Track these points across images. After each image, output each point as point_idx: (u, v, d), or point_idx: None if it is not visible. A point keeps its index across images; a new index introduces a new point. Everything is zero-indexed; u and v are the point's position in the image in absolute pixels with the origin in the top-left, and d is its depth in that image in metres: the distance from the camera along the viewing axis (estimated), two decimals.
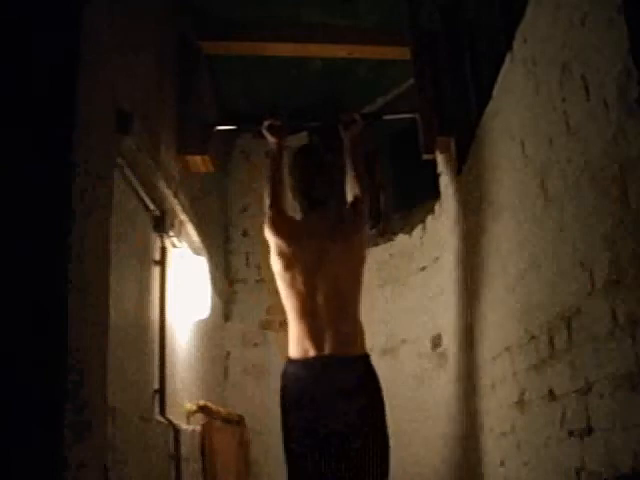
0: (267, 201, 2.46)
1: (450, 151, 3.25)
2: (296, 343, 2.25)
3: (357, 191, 2.47)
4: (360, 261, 2.37)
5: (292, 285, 2.29)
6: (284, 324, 2.46)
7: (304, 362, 2.21)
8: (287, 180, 2.49)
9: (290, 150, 2.58)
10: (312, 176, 2.42)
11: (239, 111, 4.31)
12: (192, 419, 3.09)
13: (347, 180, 2.53)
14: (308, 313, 2.24)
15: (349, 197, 2.49)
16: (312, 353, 2.19)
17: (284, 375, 2.27)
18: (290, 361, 2.27)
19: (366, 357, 2.25)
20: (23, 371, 1.30)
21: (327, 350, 2.19)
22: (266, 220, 2.43)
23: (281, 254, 2.34)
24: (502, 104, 2.38)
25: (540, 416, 1.98)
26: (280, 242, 2.35)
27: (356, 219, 2.40)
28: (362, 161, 2.60)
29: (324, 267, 2.28)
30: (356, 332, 2.27)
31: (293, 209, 2.50)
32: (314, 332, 2.21)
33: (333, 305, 2.24)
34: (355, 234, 2.37)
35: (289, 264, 2.31)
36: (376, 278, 4.00)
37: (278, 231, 2.37)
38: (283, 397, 2.25)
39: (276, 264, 2.35)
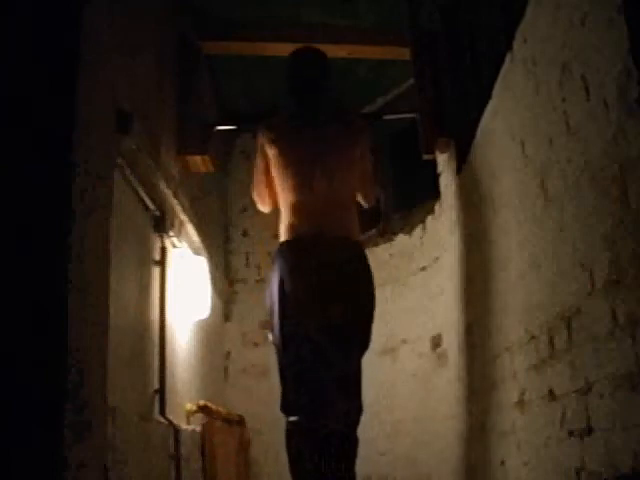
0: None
1: (450, 151, 3.25)
2: (288, 228, 2.28)
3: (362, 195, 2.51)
4: (355, 156, 2.42)
5: (288, 178, 2.33)
6: None
7: (297, 240, 2.24)
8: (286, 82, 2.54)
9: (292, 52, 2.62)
10: (308, 65, 2.53)
11: (239, 111, 4.31)
12: (192, 419, 3.09)
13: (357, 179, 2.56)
14: (303, 199, 2.28)
15: (359, 197, 2.53)
16: (305, 232, 2.23)
17: (276, 254, 2.29)
18: (281, 245, 2.29)
19: (360, 243, 2.32)
20: (23, 371, 1.30)
21: (321, 230, 2.22)
22: (261, 128, 2.47)
23: (277, 147, 2.37)
24: (502, 104, 2.38)
25: (540, 416, 1.98)
26: (277, 145, 2.39)
27: (353, 128, 2.48)
28: (365, 160, 2.62)
29: (320, 156, 2.32)
30: (351, 219, 2.32)
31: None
32: (308, 218, 2.26)
33: (329, 192, 2.29)
34: (350, 134, 2.44)
35: (285, 157, 2.35)
36: (376, 278, 3.99)
37: (273, 138, 2.42)
38: (275, 283, 2.26)
39: (272, 158, 2.38)
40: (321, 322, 2.13)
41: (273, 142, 2.39)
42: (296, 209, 2.26)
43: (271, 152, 2.39)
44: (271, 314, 2.27)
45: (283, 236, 2.28)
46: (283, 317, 2.19)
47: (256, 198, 2.59)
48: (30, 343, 1.32)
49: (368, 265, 2.27)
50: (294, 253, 2.20)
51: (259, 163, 2.48)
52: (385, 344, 3.91)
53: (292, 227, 2.25)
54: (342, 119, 2.46)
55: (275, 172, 2.37)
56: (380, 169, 4.55)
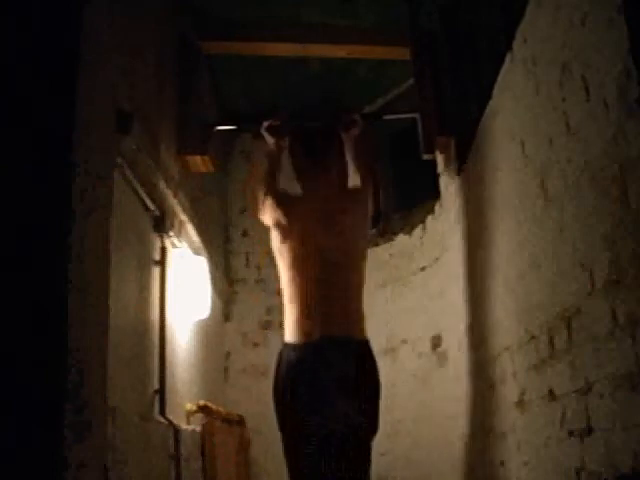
0: (262, 187, 2.44)
1: (450, 151, 3.25)
2: (294, 325, 2.18)
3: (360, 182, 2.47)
4: (362, 241, 2.35)
5: (291, 264, 2.24)
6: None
7: (303, 346, 2.14)
8: (287, 161, 2.47)
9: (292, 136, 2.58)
10: (311, 138, 2.46)
11: (239, 111, 4.31)
12: (192, 419, 3.09)
13: (349, 182, 2.53)
14: (308, 293, 2.19)
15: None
16: (311, 335, 2.13)
17: (280, 361, 2.20)
18: (287, 345, 2.19)
19: (366, 343, 2.19)
20: (23, 371, 1.30)
21: (326, 331, 2.12)
22: (263, 197, 2.41)
23: (280, 229, 2.31)
24: (502, 104, 2.38)
25: (540, 416, 1.98)
26: (278, 217, 2.32)
27: (357, 196, 2.39)
28: (364, 161, 2.60)
29: (325, 246, 2.24)
30: (359, 316, 2.21)
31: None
32: (313, 313, 2.15)
33: (334, 286, 2.19)
34: (356, 212, 2.34)
35: (288, 240, 2.28)
36: (376, 278, 4.00)
37: (276, 204, 2.35)
38: (279, 384, 2.19)
39: (274, 240, 2.33)
40: (327, 428, 2.09)
41: (276, 210, 2.34)
42: (301, 303, 2.17)
43: (273, 218, 2.35)
44: (278, 412, 2.22)
45: (289, 334, 2.18)
46: (292, 419, 2.16)
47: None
48: (30, 343, 1.32)
49: (375, 368, 2.18)
50: (302, 360, 2.13)
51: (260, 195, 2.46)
52: (385, 344, 3.91)
53: (298, 326, 2.16)
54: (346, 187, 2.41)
55: (277, 254, 2.32)
56: (380, 169, 4.56)
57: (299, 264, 2.23)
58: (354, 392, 2.10)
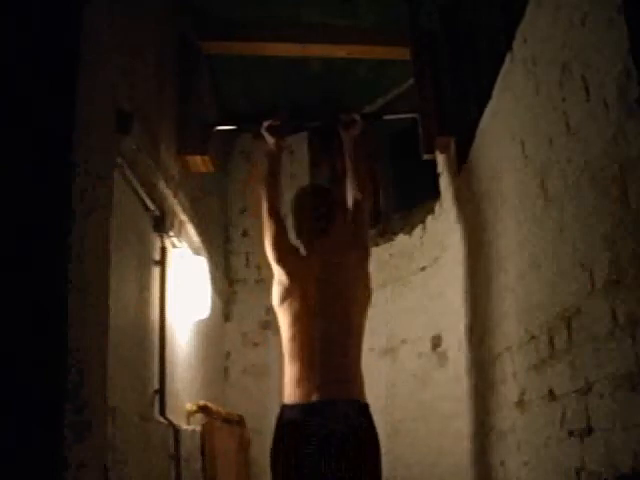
0: (266, 222, 2.41)
1: (450, 151, 3.25)
2: (293, 386, 2.14)
3: (357, 194, 2.44)
4: (365, 294, 2.32)
5: (293, 321, 2.21)
6: None
7: (302, 407, 2.10)
8: (289, 219, 2.44)
9: (295, 194, 2.53)
10: (314, 208, 2.39)
11: (239, 111, 4.31)
12: (192, 419, 3.09)
13: (347, 182, 2.52)
14: (307, 354, 2.15)
15: (349, 200, 2.47)
16: (310, 397, 2.09)
17: (279, 422, 2.16)
18: (286, 406, 2.15)
19: (366, 407, 2.14)
20: (23, 371, 1.30)
21: (325, 394, 2.07)
22: (269, 247, 2.38)
23: (283, 285, 2.29)
24: (502, 104, 2.38)
25: (540, 416, 1.98)
26: (284, 271, 2.30)
27: (357, 246, 2.36)
28: (363, 161, 2.59)
29: (327, 302, 2.20)
30: (357, 377, 2.17)
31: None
32: (313, 374, 2.11)
33: (334, 347, 2.15)
34: (357, 265, 2.31)
35: (290, 297, 2.25)
36: (376, 278, 3.98)
37: (283, 260, 2.33)
38: (278, 446, 2.15)
39: (277, 296, 2.31)
40: None
41: (281, 265, 2.32)
42: (300, 365, 2.14)
43: (276, 277, 2.33)
44: (272, 470, 2.20)
45: (287, 395, 2.15)
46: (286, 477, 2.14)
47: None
48: (30, 343, 1.32)
49: (375, 432, 2.12)
50: (300, 420, 2.08)
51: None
52: (385, 344, 3.91)
53: (297, 388, 2.13)
54: (346, 246, 2.38)
55: (277, 310, 2.30)
56: (380, 169, 4.56)
57: (299, 325, 2.21)
58: (353, 454, 2.05)
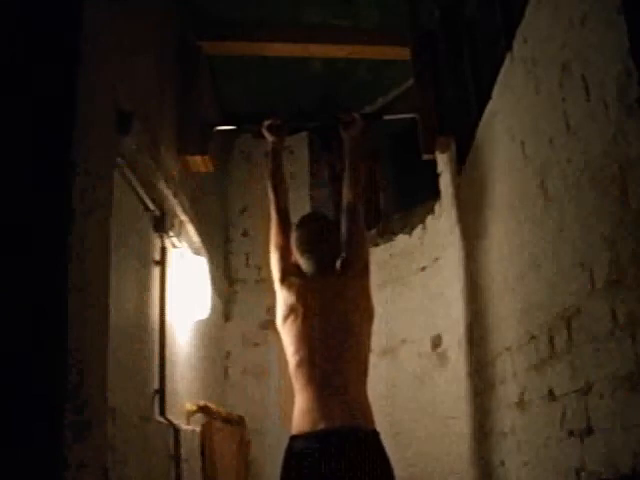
0: (274, 233, 2.42)
1: (450, 151, 3.25)
2: (302, 414, 2.12)
3: (352, 197, 2.45)
4: (368, 316, 2.31)
5: (297, 349, 2.20)
6: None
7: (311, 436, 2.07)
8: (293, 246, 2.43)
9: (296, 223, 2.51)
10: (317, 244, 2.38)
11: (239, 111, 4.31)
12: (192, 419, 3.09)
13: (344, 181, 2.53)
14: (315, 382, 2.13)
15: (344, 201, 2.48)
16: (317, 426, 2.06)
17: (289, 452, 2.13)
18: (295, 436, 2.13)
19: (377, 434, 2.12)
20: (23, 371, 1.30)
21: (336, 423, 2.05)
22: (275, 267, 2.38)
23: (288, 306, 2.28)
24: (502, 104, 2.38)
25: (540, 416, 1.98)
26: (289, 293, 2.30)
27: (356, 263, 2.35)
28: (362, 162, 2.60)
29: (331, 327, 2.19)
30: (365, 404, 2.16)
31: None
32: (321, 403, 2.09)
33: (342, 376, 2.13)
34: (361, 297, 2.31)
35: (294, 320, 2.24)
36: (376, 278, 3.99)
37: (288, 283, 2.32)
38: (286, 474, 2.11)
39: (280, 319, 2.30)
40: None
41: (286, 286, 2.31)
42: (307, 396, 2.13)
43: (281, 295, 2.33)
44: None
45: (295, 426, 2.13)
46: None
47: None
48: (30, 343, 1.32)
49: (387, 459, 2.10)
50: (309, 449, 2.06)
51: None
52: (385, 344, 3.91)
53: (304, 417, 2.11)
54: (344, 266, 2.37)
55: (282, 335, 2.29)
56: (380, 169, 4.56)
57: (303, 351, 2.19)
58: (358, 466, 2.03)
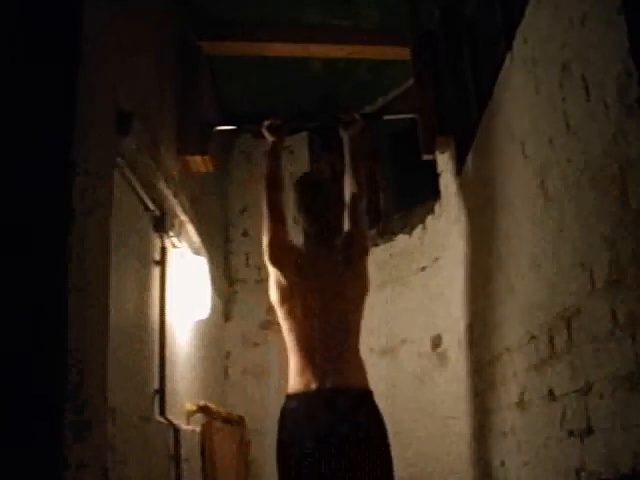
0: (266, 222, 2.39)
1: (450, 151, 3.25)
2: (297, 376, 2.16)
3: (355, 193, 2.45)
4: (362, 291, 2.32)
5: (293, 317, 2.23)
6: None
7: (305, 396, 2.11)
8: (291, 208, 2.43)
9: (294, 181, 2.52)
10: (316, 203, 2.37)
11: (239, 111, 4.31)
12: (192, 419, 3.09)
13: (345, 181, 2.52)
14: (309, 346, 2.17)
15: (346, 197, 2.48)
16: (314, 386, 2.10)
17: (284, 412, 2.16)
18: (290, 396, 2.17)
19: (370, 394, 2.16)
20: (23, 371, 1.30)
21: (330, 383, 2.09)
22: (266, 248, 2.36)
23: (281, 285, 2.28)
24: (502, 104, 2.38)
25: (540, 416, 1.98)
26: (281, 273, 2.29)
27: (358, 244, 2.36)
28: (362, 161, 2.59)
29: (326, 299, 2.21)
30: (359, 365, 2.19)
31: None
32: (316, 365, 2.13)
33: (335, 338, 2.17)
34: (358, 263, 2.33)
35: (290, 295, 2.25)
36: (376, 278, 3.99)
37: (280, 262, 2.31)
38: (283, 438, 2.14)
39: (275, 294, 2.31)
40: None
41: (279, 264, 2.31)
42: (301, 355, 2.17)
43: (274, 271, 2.33)
44: (279, 462, 2.20)
45: (290, 386, 2.18)
46: (295, 470, 2.14)
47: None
48: (30, 343, 1.32)
49: (380, 418, 2.13)
50: (303, 409, 2.10)
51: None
52: (385, 344, 3.91)
53: (299, 378, 2.15)
54: (346, 245, 2.38)
55: (278, 307, 2.31)
56: (380, 169, 4.56)
57: (298, 316, 2.22)
58: (359, 441, 2.06)
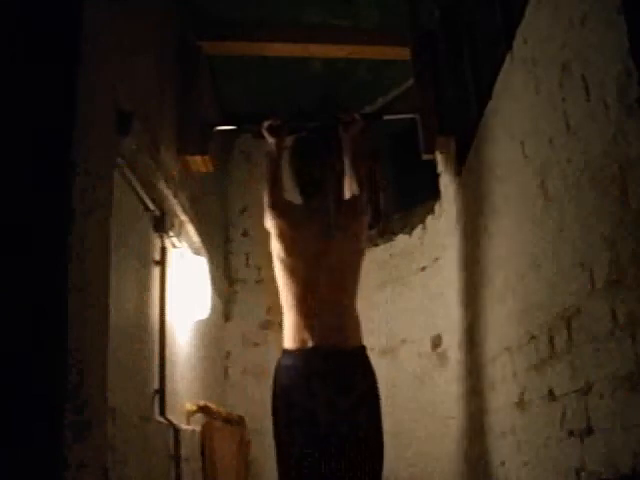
0: (266, 193, 2.45)
1: (450, 151, 3.25)
2: (292, 333, 2.22)
3: (355, 190, 2.47)
4: (359, 252, 2.36)
5: (291, 273, 2.27)
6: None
7: (300, 353, 2.18)
8: (287, 169, 2.48)
9: (290, 143, 2.58)
10: (311, 161, 2.43)
11: (239, 111, 4.31)
12: (192, 419, 3.09)
13: (345, 182, 2.53)
14: (306, 302, 2.22)
15: (347, 195, 2.49)
16: (309, 343, 2.17)
17: (278, 368, 2.24)
18: (285, 352, 2.24)
19: (363, 349, 2.23)
20: (23, 371, 1.30)
21: (325, 341, 2.16)
22: (266, 206, 2.42)
23: (281, 239, 2.32)
24: (502, 104, 2.38)
25: (540, 416, 1.98)
26: (281, 226, 2.33)
27: (355, 209, 2.40)
28: (362, 162, 2.60)
29: (324, 256, 2.26)
30: (354, 323, 2.25)
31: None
32: (311, 322, 2.19)
33: (332, 295, 2.23)
34: (354, 224, 2.37)
35: (289, 250, 2.29)
36: (376, 278, 4.00)
37: (279, 215, 2.36)
38: (277, 392, 2.23)
39: (276, 249, 2.35)
40: (325, 434, 2.12)
41: (279, 217, 2.37)
42: (301, 315, 2.21)
43: (275, 224, 2.38)
44: (274, 415, 2.26)
45: (287, 341, 2.23)
46: (288, 425, 2.20)
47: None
48: (30, 343, 1.32)
49: (372, 373, 2.21)
50: (297, 366, 2.18)
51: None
52: (385, 344, 3.91)
53: (295, 334, 2.21)
54: (344, 206, 2.42)
55: (277, 267, 2.35)
56: (380, 169, 4.56)
57: (297, 272, 2.27)
58: (351, 398, 2.12)
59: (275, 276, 2.39)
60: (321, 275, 2.24)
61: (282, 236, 2.33)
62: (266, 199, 2.44)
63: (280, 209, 2.38)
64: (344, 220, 2.35)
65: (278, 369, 2.24)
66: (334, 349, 2.16)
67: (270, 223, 2.39)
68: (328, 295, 2.23)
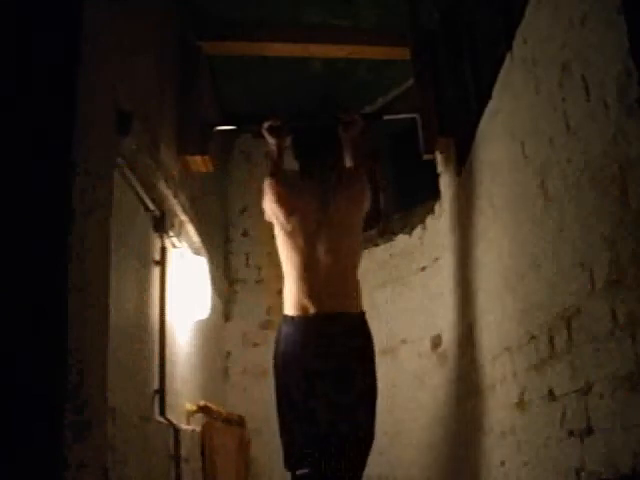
0: (267, 175, 2.53)
1: (450, 151, 3.25)
2: (294, 300, 2.27)
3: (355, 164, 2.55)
4: (358, 219, 2.42)
5: (291, 241, 2.32)
6: None
7: (302, 320, 2.22)
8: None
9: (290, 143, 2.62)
10: (314, 139, 2.54)
11: (239, 111, 4.31)
12: (192, 419, 3.09)
13: (345, 155, 2.58)
14: (307, 270, 2.26)
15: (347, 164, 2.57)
16: (310, 310, 2.21)
17: (279, 335, 2.29)
18: (286, 319, 2.27)
19: (362, 315, 2.30)
20: (23, 371, 1.30)
21: (325, 308, 2.21)
22: (266, 184, 2.47)
23: (281, 204, 2.37)
24: (502, 104, 2.38)
25: (540, 416, 1.98)
26: (280, 192, 2.39)
27: (355, 177, 2.47)
28: (362, 162, 2.60)
29: (324, 224, 2.31)
30: (353, 289, 2.30)
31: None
32: (312, 289, 2.24)
33: (331, 262, 2.27)
34: (354, 192, 2.41)
35: (288, 217, 2.34)
36: (376, 278, 4.00)
37: (279, 182, 2.42)
38: (278, 359, 2.29)
39: (275, 215, 2.38)
40: (324, 399, 2.17)
41: (278, 203, 2.40)
42: (301, 282, 2.27)
43: (275, 211, 2.41)
44: (276, 379, 2.30)
45: (288, 308, 2.29)
46: (288, 386, 2.23)
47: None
48: (30, 343, 1.32)
49: (370, 338, 2.30)
50: (299, 333, 2.24)
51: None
52: (385, 344, 3.90)
53: (296, 301, 2.26)
54: (344, 173, 2.48)
55: (279, 236, 2.39)
56: (380, 170, 4.56)
57: (298, 239, 2.32)
58: (349, 363, 2.21)
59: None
60: (321, 242, 2.29)
61: (282, 202, 2.36)
62: (266, 178, 2.50)
63: (280, 177, 2.45)
64: (344, 188, 2.38)
65: (278, 337, 2.30)
66: (334, 315, 2.22)
67: (270, 193, 2.42)
68: (328, 262, 2.27)
